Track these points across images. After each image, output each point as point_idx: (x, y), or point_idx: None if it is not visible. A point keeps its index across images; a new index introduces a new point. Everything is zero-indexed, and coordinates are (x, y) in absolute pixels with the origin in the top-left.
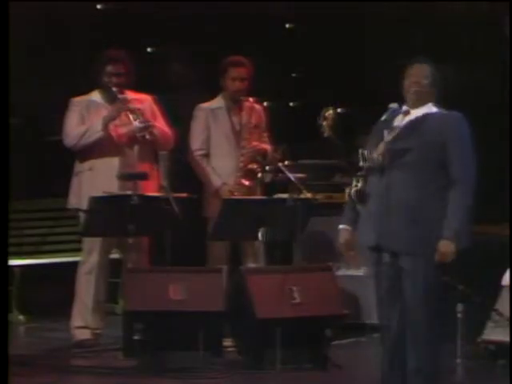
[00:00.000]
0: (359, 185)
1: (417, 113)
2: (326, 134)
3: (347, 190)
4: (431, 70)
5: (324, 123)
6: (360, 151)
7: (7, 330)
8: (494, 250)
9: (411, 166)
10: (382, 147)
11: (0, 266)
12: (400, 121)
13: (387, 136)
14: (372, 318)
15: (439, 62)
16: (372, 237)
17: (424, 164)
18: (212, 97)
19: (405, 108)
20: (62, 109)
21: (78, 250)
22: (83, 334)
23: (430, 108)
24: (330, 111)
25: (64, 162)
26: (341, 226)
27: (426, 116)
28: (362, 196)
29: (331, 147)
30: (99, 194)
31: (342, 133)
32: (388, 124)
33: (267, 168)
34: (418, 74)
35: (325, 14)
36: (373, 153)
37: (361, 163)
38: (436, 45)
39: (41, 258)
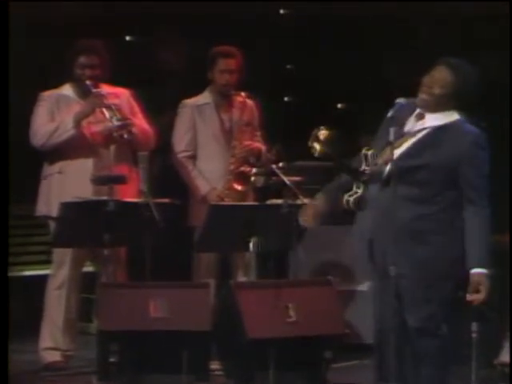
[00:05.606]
0: (359, 191)
1: (432, 121)
2: (316, 155)
3: (345, 196)
4: (453, 79)
5: (315, 144)
6: (363, 152)
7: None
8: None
9: (420, 184)
10: (387, 152)
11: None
12: (412, 125)
13: (392, 139)
14: None
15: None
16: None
17: (433, 182)
18: (198, 91)
19: (418, 111)
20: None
21: (48, 263)
22: (53, 356)
23: (449, 117)
24: (324, 131)
25: (32, 164)
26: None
27: (442, 130)
28: (361, 204)
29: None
30: (70, 199)
31: (338, 154)
32: (395, 121)
33: (258, 170)
34: (434, 81)
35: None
36: (378, 157)
37: (363, 166)
38: (436, 41)
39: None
